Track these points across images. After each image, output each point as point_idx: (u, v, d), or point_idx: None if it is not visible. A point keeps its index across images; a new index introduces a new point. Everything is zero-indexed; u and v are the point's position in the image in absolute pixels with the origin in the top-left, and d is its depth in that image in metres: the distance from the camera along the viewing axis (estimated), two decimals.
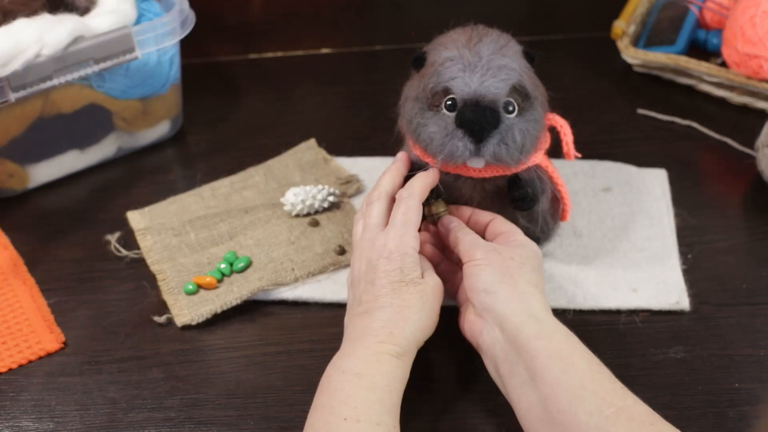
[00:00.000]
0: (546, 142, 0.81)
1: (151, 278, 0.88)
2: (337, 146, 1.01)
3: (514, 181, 0.80)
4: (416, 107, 0.78)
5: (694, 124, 1.04)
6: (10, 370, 0.81)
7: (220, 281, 0.86)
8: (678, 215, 0.93)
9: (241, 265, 0.87)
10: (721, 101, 1.07)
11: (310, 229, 0.91)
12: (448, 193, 0.82)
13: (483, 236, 0.79)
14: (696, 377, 0.79)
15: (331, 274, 0.88)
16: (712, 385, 0.78)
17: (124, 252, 0.90)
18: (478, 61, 0.75)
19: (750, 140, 0.98)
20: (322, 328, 0.84)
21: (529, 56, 0.79)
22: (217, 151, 1.02)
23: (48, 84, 0.87)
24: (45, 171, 0.97)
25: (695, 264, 0.88)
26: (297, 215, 0.92)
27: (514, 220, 0.82)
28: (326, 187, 0.93)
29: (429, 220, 0.83)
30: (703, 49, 1.11)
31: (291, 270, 0.87)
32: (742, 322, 0.83)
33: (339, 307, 0.84)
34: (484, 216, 0.80)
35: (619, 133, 1.04)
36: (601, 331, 0.83)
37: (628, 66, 1.11)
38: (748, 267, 0.88)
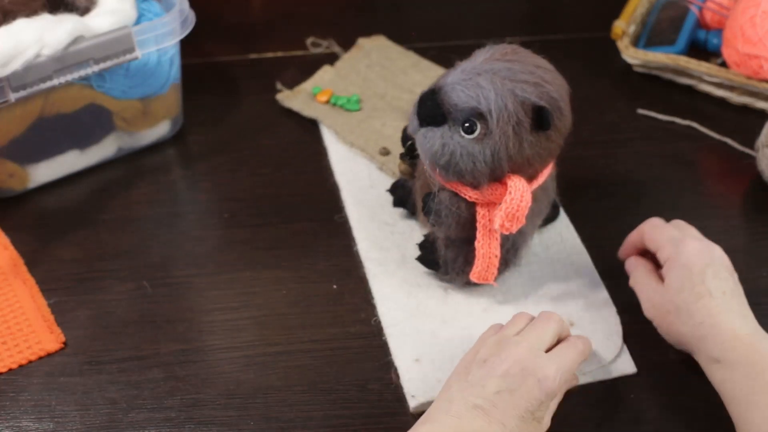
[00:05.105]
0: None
1: (152, 276, 0.89)
2: None
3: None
4: None
5: (694, 124, 1.04)
6: (10, 370, 0.81)
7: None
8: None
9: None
10: (721, 101, 1.07)
11: None
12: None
13: None
14: (696, 377, 0.79)
15: None
16: (712, 385, 0.77)
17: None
18: (469, 66, 0.75)
19: (750, 140, 0.98)
20: (322, 328, 0.84)
21: (539, 118, 0.74)
22: (217, 151, 1.02)
23: (48, 84, 0.87)
24: (45, 171, 0.97)
25: None
26: None
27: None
28: None
29: (406, 176, 0.87)
30: (703, 49, 1.11)
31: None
32: None
33: (339, 304, 0.85)
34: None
35: (619, 133, 1.04)
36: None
37: (628, 66, 1.11)
38: (748, 267, 0.88)
